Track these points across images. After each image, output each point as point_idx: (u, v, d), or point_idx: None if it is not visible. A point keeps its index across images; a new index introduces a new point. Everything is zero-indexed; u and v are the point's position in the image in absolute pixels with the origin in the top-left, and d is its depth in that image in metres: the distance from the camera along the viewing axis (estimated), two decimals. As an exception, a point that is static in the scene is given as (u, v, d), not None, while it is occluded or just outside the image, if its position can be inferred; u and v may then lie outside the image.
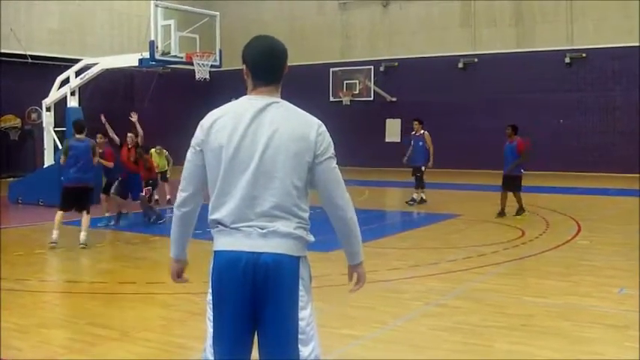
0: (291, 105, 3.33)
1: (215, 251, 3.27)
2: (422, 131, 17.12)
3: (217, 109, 3.36)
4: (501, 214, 14.36)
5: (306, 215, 3.27)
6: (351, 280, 3.53)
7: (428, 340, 6.24)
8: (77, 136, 11.40)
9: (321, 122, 3.32)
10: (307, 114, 3.33)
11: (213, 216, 3.25)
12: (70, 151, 11.22)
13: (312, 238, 3.30)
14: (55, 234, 10.92)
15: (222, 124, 3.24)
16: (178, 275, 3.59)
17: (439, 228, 13.54)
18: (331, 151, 3.30)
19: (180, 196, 3.41)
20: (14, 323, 6.80)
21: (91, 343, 6.23)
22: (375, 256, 10.20)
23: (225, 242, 3.22)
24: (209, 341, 3.27)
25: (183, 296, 7.99)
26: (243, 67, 3.34)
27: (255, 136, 3.20)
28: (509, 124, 14.95)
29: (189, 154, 3.35)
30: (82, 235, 10.97)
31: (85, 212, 11.15)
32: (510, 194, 14.40)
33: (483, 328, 6.56)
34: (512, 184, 14.39)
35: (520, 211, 14.36)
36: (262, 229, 3.16)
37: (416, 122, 17.39)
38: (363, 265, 3.53)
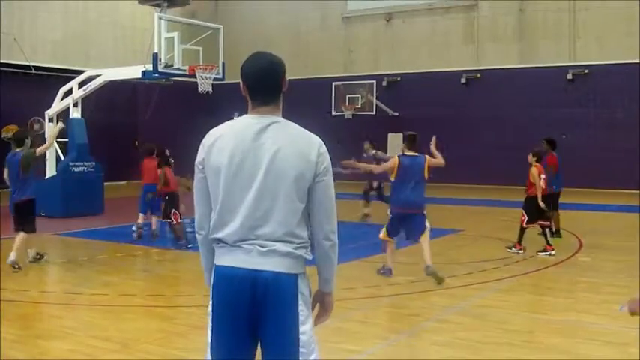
0: (292, 124, 3.31)
1: (216, 265, 3.28)
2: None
3: (218, 127, 3.35)
4: (555, 233, 13.23)
5: (306, 234, 3.27)
6: (312, 308, 3.41)
7: (429, 356, 6.23)
8: (17, 150, 10.34)
9: (321, 142, 3.30)
10: (308, 133, 3.31)
11: (215, 235, 3.25)
12: (7, 168, 10.32)
13: (310, 257, 3.29)
14: (12, 255, 10.06)
15: (224, 144, 3.24)
16: None
17: (440, 243, 13.48)
18: (330, 171, 3.28)
19: (196, 219, 3.41)
20: (13, 334, 6.80)
21: (91, 355, 6.22)
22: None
23: (225, 258, 3.22)
24: (208, 351, 3.28)
25: (183, 309, 8.00)
26: (241, 84, 3.33)
27: (257, 156, 3.20)
28: (544, 139, 13.85)
29: (195, 176, 3.35)
30: (12, 255, 10.00)
31: (22, 232, 10.13)
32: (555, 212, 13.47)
33: (484, 344, 6.54)
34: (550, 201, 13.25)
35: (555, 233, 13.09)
36: (263, 247, 3.16)
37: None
38: (333, 295, 3.50)
